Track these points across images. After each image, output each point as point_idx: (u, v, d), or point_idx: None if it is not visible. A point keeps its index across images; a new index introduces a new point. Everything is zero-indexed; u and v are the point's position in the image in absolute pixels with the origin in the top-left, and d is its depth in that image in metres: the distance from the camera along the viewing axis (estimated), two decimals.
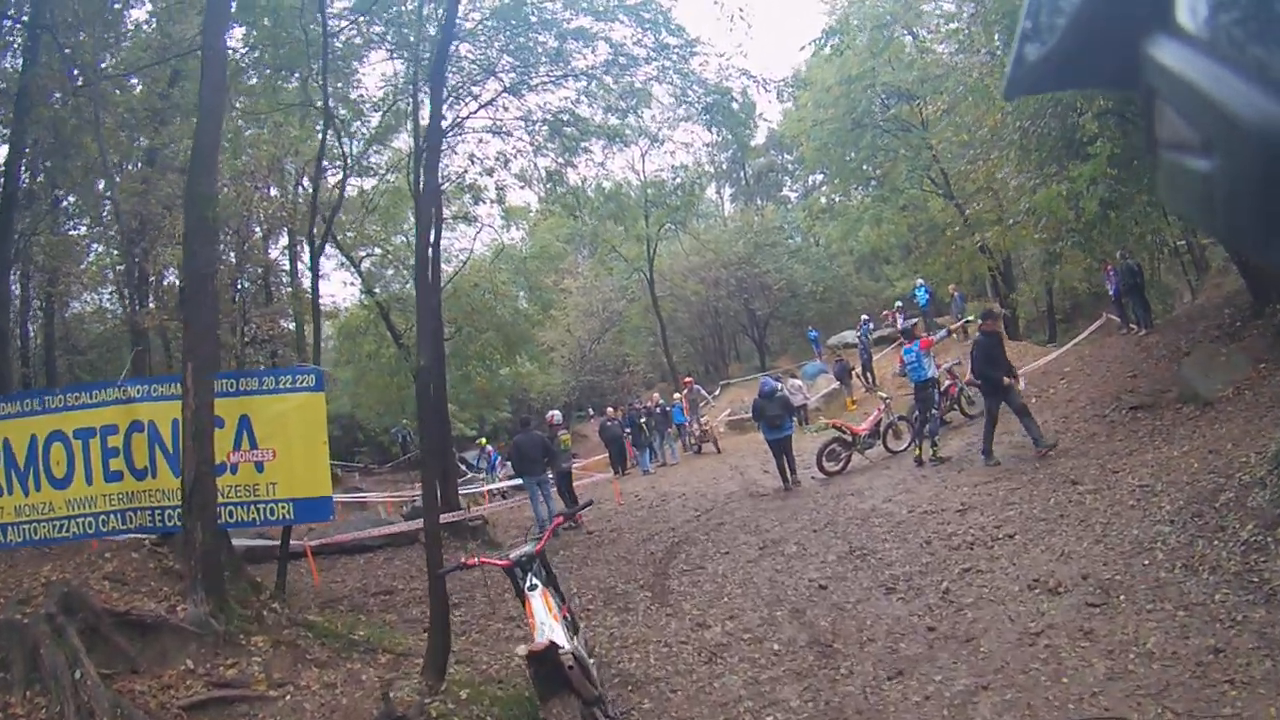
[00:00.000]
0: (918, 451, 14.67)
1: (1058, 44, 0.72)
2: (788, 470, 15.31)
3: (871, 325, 30.36)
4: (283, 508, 8.94)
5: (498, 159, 17.80)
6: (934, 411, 14.87)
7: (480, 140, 17.84)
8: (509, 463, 16.07)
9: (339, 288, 62.22)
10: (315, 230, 15.24)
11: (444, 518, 13.29)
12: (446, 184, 17.69)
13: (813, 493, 14.31)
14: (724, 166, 56.03)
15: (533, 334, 32.95)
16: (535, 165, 18.24)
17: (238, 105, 14.93)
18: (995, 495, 11.19)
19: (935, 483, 12.93)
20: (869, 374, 27.25)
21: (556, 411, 15.91)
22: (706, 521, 13.55)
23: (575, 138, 17.32)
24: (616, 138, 17.63)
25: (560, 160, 17.99)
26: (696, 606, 9.14)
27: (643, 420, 23.90)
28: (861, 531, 10.87)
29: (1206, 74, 0.58)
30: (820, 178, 53.23)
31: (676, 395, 26.50)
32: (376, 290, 31.25)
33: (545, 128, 17.37)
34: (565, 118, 17.10)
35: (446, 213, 19.84)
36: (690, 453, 24.88)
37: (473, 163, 18.11)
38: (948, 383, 17.75)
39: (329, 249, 30.51)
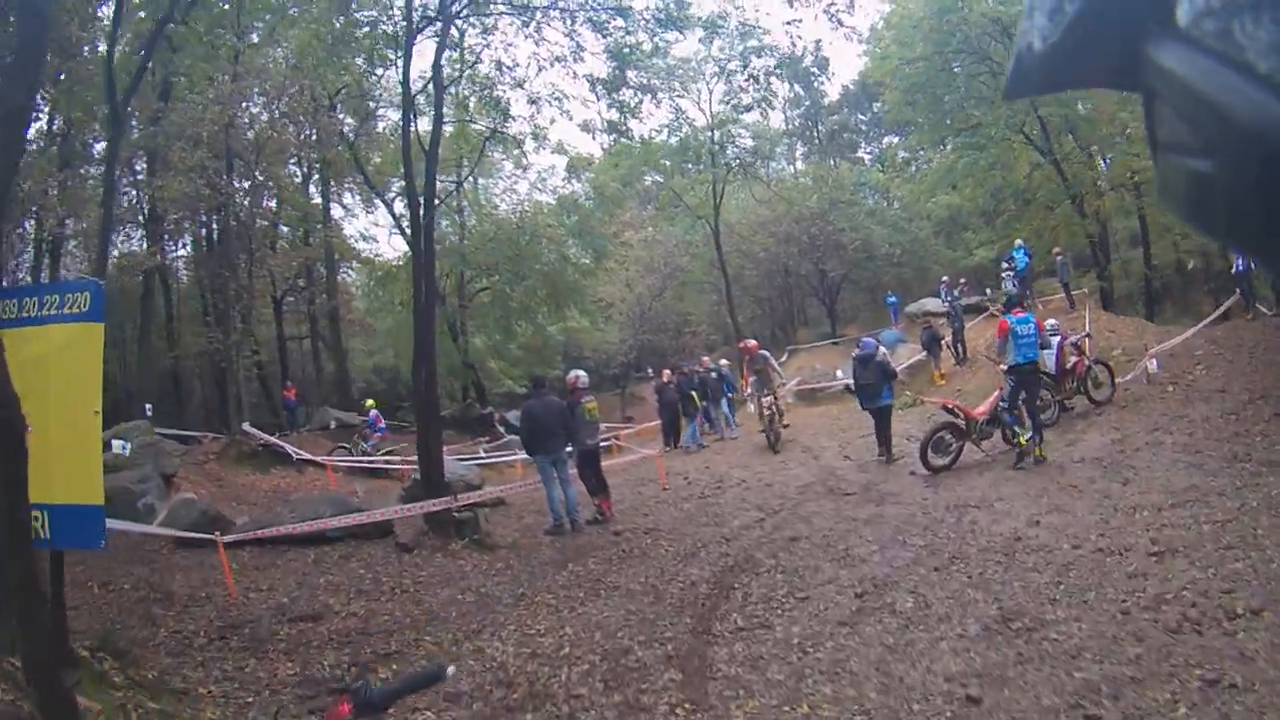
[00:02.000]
0: (1038, 450, 11.22)
1: (1058, 44, 0.69)
2: (881, 444, 13.55)
3: (957, 291, 26.30)
4: (36, 519, 4.90)
5: (529, 64, 14.12)
6: (1040, 400, 12.23)
7: (509, 44, 14.19)
8: (512, 436, 12.32)
9: (382, 240, 59.31)
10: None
11: (427, 507, 9.79)
12: (455, 86, 14.00)
13: (919, 497, 10.43)
14: (796, 124, 52.07)
15: (585, 285, 29.42)
16: (576, 74, 14.31)
17: None
18: (1197, 528, 7.35)
19: (1094, 498, 9.03)
20: (960, 345, 23.09)
21: (580, 373, 12.20)
22: (773, 531, 9.76)
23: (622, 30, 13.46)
24: (671, 24, 13.61)
25: (611, 66, 14.05)
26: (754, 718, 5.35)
27: (694, 389, 20.11)
28: (1009, 576, 7.04)
29: (1207, 75, 0.56)
30: (897, 139, 49.88)
31: (724, 362, 22.26)
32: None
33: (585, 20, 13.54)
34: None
35: (474, 129, 15.95)
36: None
37: (501, 72, 14.38)
38: (1073, 360, 14.27)
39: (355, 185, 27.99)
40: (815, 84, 52.66)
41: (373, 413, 22.10)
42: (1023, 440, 11.17)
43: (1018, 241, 24.88)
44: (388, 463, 18.75)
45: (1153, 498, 8.53)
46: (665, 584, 8.19)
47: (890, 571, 7.54)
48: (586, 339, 36.64)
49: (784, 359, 31.64)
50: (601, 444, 20.83)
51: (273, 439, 18.92)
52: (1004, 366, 11.46)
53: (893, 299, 33.61)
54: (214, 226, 25.56)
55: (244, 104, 20.68)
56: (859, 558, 8.14)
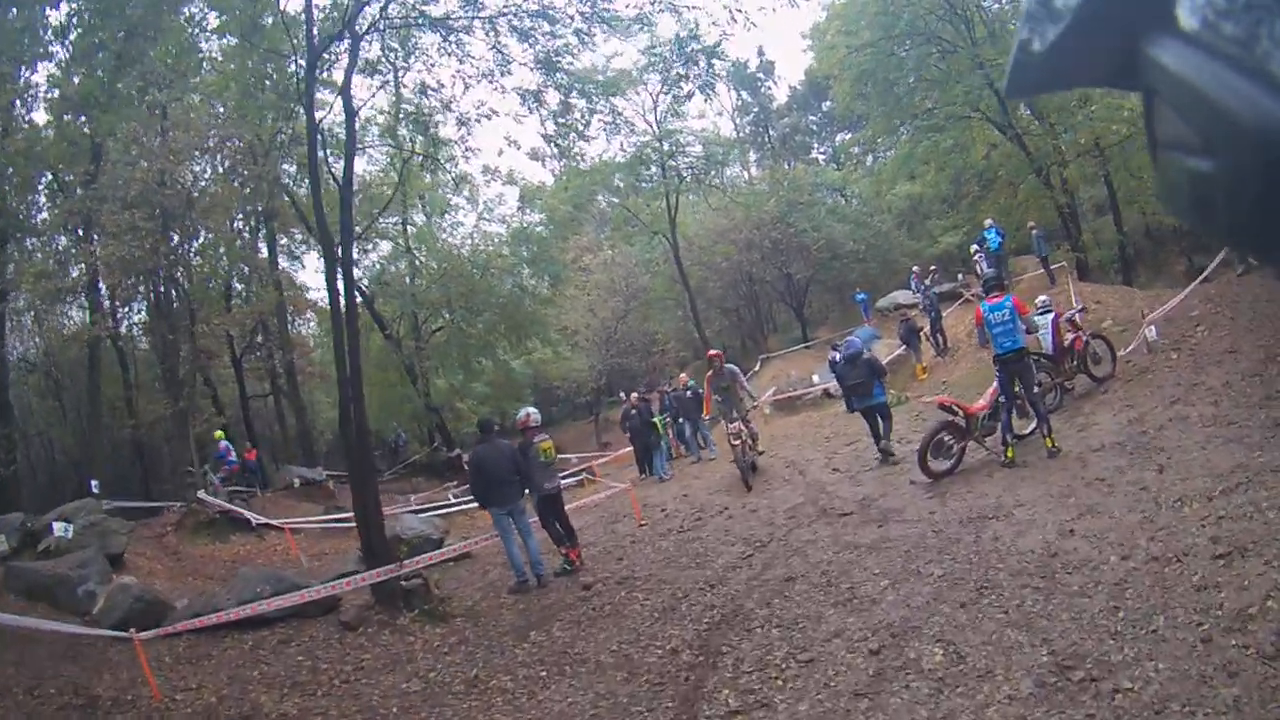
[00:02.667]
0: (1048, 441, 9.93)
1: (1058, 44, 0.69)
2: (883, 440, 12.55)
3: (928, 280, 25.41)
4: None
5: (454, 83, 12.88)
6: (1039, 386, 10.73)
7: (431, 64, 12.95)
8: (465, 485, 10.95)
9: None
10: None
11: (369, 578, 8.39)
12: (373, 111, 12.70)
13: (926, 512, 9.08)
14: (746, 131, 51.27)
15: (545, 315, 28.11)
16: (503, 88, 12.96)
17: None
18: (1260, 516, 6.23)
19: (1129, 492, 7.76)
20: (939, 335, 21.89)
21: (532, 410, 10.67)
22: (763, 571, 8.38)
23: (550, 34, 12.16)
24: (599, 20, 12.32)
25: (541, 76, 12.79)
26: None
27: (660, 415, 18.78)
28: (1054, 607, 5.75)
29: (1207, 75, 0.56)
30: (850, 134, 49.15)
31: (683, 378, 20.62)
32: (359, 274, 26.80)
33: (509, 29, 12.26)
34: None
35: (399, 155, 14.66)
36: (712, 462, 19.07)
37: (425, 95, 13.15)
38: (1070, 337, 13.08)
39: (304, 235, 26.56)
40: (762, 89, 52.19)
41: (222, 443, 20.88)
42: (1048, 436, 9.93)
43: (987, 222, 24.00)
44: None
45: (1197, 484, 7.25)
46: (641, 652, 6.82)
47: (908, 614, 6.18)
48: (553, 370, 35.49)
49: (757, 368, 30.46)
50: (569, 481, 19.48)
51: (229, 505, 17.50)
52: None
53: (861, 296, 32.64)
54: (162, 290, 24.12)
55: (178, 161, 19.24)
56: (868, 598, 6.77)
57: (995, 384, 10.50)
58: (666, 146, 30.59)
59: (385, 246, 27.78)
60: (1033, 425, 10.32)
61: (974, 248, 25.26)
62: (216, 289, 25.85)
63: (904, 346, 21.85)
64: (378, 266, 27.31)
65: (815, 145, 53.07)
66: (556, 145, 14.51)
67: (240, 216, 25.97)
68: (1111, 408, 11.59)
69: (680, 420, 18.95)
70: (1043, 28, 0.69)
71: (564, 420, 41.88)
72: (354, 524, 17.51)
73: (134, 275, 21.91)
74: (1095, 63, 0.69)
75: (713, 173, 34.59)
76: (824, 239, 34.31)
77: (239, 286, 28.66)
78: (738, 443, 13.22)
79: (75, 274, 22.40)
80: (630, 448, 19.27)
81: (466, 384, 28.75)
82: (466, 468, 13.11)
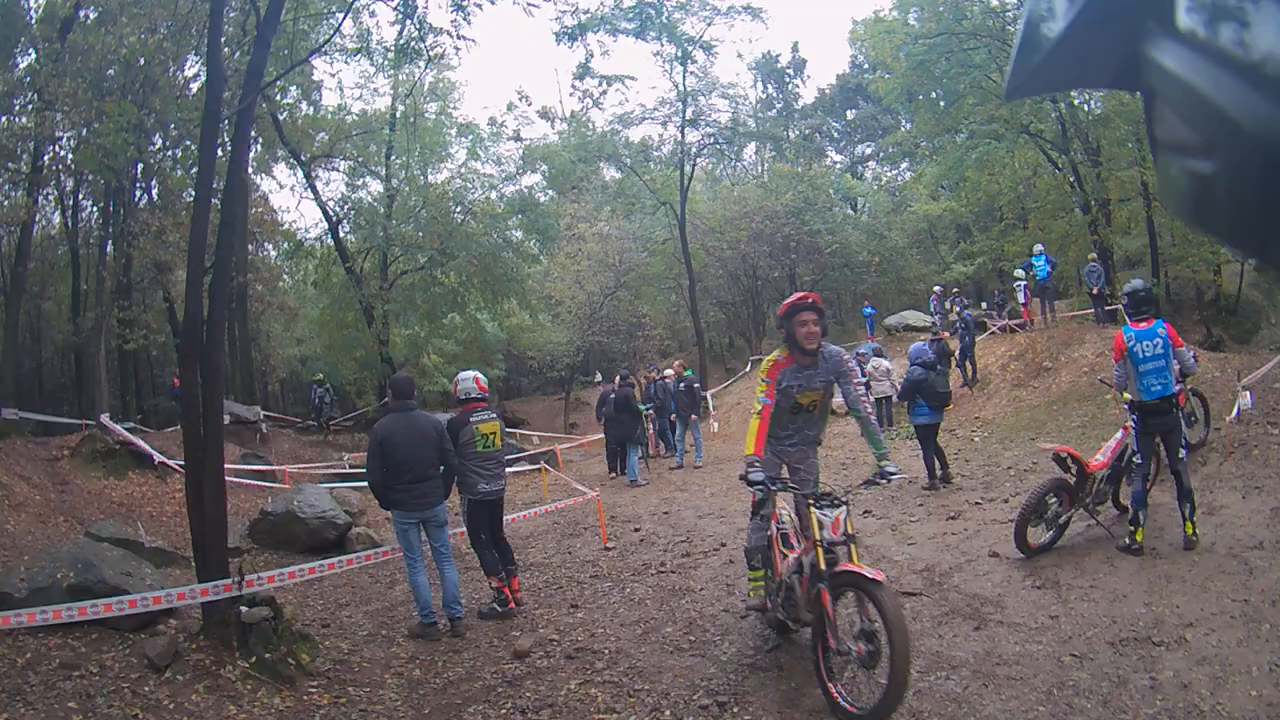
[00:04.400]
0: (1188, 527, 6.99)
1: (1058, 45, 0.68)
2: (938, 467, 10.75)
3: (948, 303, 23.92)
4: None
5: None
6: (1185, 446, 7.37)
7: None
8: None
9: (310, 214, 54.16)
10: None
11: (191, 596, 5.15)
12: None
13: (1041, 614, 5.98)
14: (766, 126, 48.24)
15: (526, 274, 24.78)
16: None
17: None
18: None
19: None
20: (969, 363, 18.81)
21: (467, 374, 7.31)
22: (804, 688, 5.16)
23: None
24: None
25: None
26: None
27: (648, 405, 15.62)
28: None
29: (1207, 76, 0.55)
30: (868, 149, 46.31)
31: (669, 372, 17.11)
32: (322, 191, 23.29)
33: None
34: None
35: None
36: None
37: None
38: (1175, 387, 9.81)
39: (280, 150, 23.15)
40: (790, 85, 49.18)
41: None
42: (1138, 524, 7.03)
43: (1037, 248, 21.24)
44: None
45: None
46: None
47: None
48: (529, 338, 32.33)
49: (746, 369, 27.51)
50: (523, 468, 16.22)
51: (131, 437, 14.71)
52: (1127, 401, 7.21)
53: (869, 310, 29.84)
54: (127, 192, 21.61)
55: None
56: None
57: (1121, 437, 7.53)
58: (689, 111, 27.51)
59: (374, 186, 24.26)
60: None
61: (1019, 273, 22.34)
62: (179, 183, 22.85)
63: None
64: (348, 191, 23.72)
65: (833, 152, 50.00)
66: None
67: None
68: (1232, 487, 8.60)
69: (667, 417, 15.83)
70: (1044, 29, 0.67)
71: (533, 393, 39.11)
72: (262, 479, 14.72)
73: (103, 171, 19.46)
74: (1096, 64, 0.67)
75: (736, 144, 31.67)
76: (838, 243, 31.28)
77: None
78: (795, 556, 5.28)
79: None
80: (603, 436, 16.03)
81: (431, 338, 25.29)
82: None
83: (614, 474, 14.78)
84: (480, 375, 7.17)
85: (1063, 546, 7.30)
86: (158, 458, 13.92)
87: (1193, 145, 0.57)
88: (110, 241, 21.77)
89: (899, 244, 33.42)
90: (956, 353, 18.81)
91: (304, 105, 23.06)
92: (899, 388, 17.13)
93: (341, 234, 23.03)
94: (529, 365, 35.16)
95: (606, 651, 5.87)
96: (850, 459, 13.67)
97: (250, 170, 24.04)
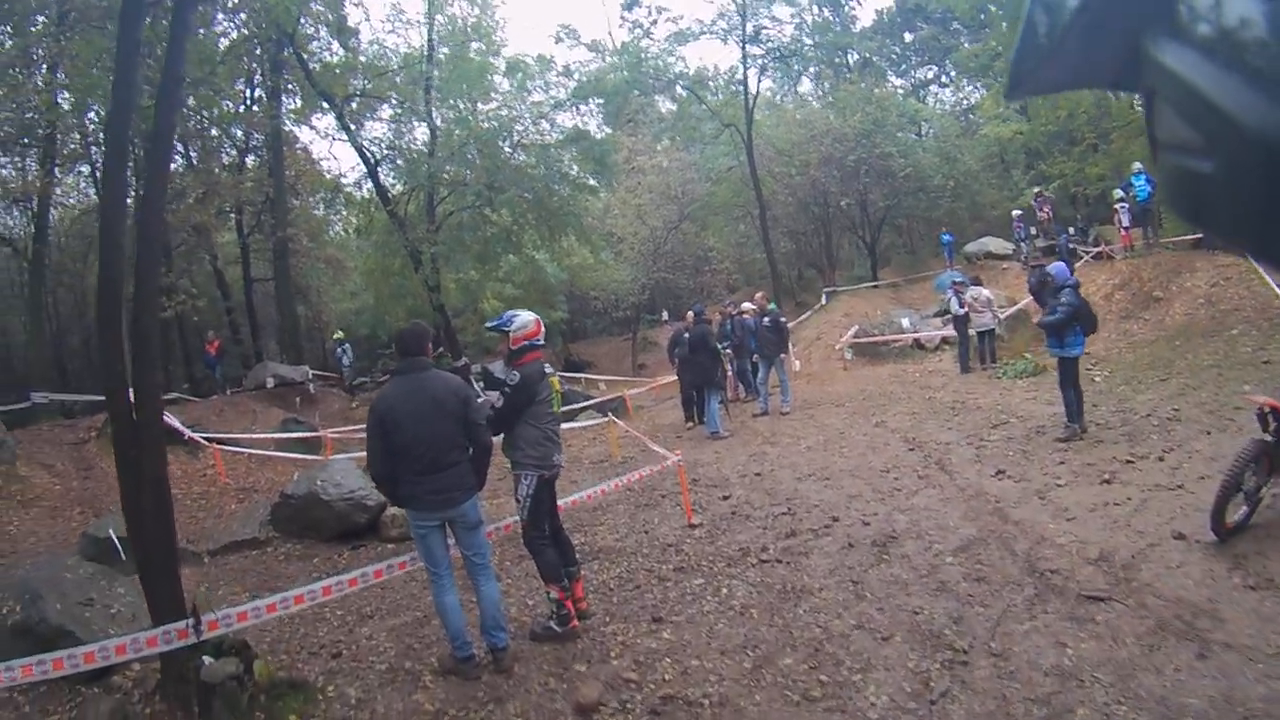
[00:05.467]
0: None
1: (1059, 45, 0.68)
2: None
3: (1034, 228, 23.10)
4: None
5: None
6: None
7: None
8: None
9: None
10: None
11: (135, 648, 3.55)
12: None
13: (1266, 625, 4.19)
14: (824, 52, 45.33)
15: (583, 204, 22.88)
16: None
17: None
18: None
19: None
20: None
21: (526, 316, 5.33)
22: None
23: None
24: None
25: None
26: None
27: (725, 344, 13.71)
28: None
29: (1207, 75, 0.55)
30: (929, 73, 43.93)
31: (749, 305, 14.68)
32: (356, 131, 21.49)
33: None
34: None
35: None
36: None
37: None
38: None
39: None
40: (846, 6, 45.93)
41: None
42: None
43: (1136, 166, 19.13)
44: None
45: None
46: None
47: None
48: (591, 277, 30.61)
49: (823, 301, 25.54)
50: (590, 423, 14.57)
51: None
52: None
53: (947, 237, 28.04)
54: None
55: None
56: None
57: None
58: (749, 26, 25.19)
59: (418, 130, 22.57)
60: None
61: (1117, 193, 19.86)
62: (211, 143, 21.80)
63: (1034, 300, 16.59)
64: (389, 134, 21.93)
65: (893, 77, 46.84)
66: None
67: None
68: None
69: (747, 356, 14.01)
70: (1044, 28, 0.66)
71: (598, 335, 37.79)
72: (302, 448, 13.54)
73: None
74: (1097, 63, 0.66)
75: (799, 62, 29.34)
76: (911, 166, 28.63)
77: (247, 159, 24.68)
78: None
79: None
80: (675, 379, 14.22)
81: (486, 282, 23.59)
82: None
83: (690, 423, 13.01)
84: (533, 319, 5.35)
85: (1256, 525, 5.41)
86: (187, 434, 12.93)
87: (1193, 145, 0.56)
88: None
89: (972, 168, 30.68)
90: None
91: (336, 48, 21.70)
92: (1000, 318, 15.08)
93: (382, 177, 21.39)
94: (593, 306, 33.77)
95: (707, 703, 4.17)
96: (955, 401, 11.69)
97: (286, 124, 22.92)
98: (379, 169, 21.11)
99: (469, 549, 4.76)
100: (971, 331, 14.37)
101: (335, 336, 23.21)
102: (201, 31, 15.35)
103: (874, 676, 4.25)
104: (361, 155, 20.53)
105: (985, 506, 6.86)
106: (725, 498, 8.18)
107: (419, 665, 4.92)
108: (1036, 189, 26.32)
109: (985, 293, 14.51)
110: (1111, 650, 4.22)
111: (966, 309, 14.31)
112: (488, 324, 5.66)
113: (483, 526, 4.87)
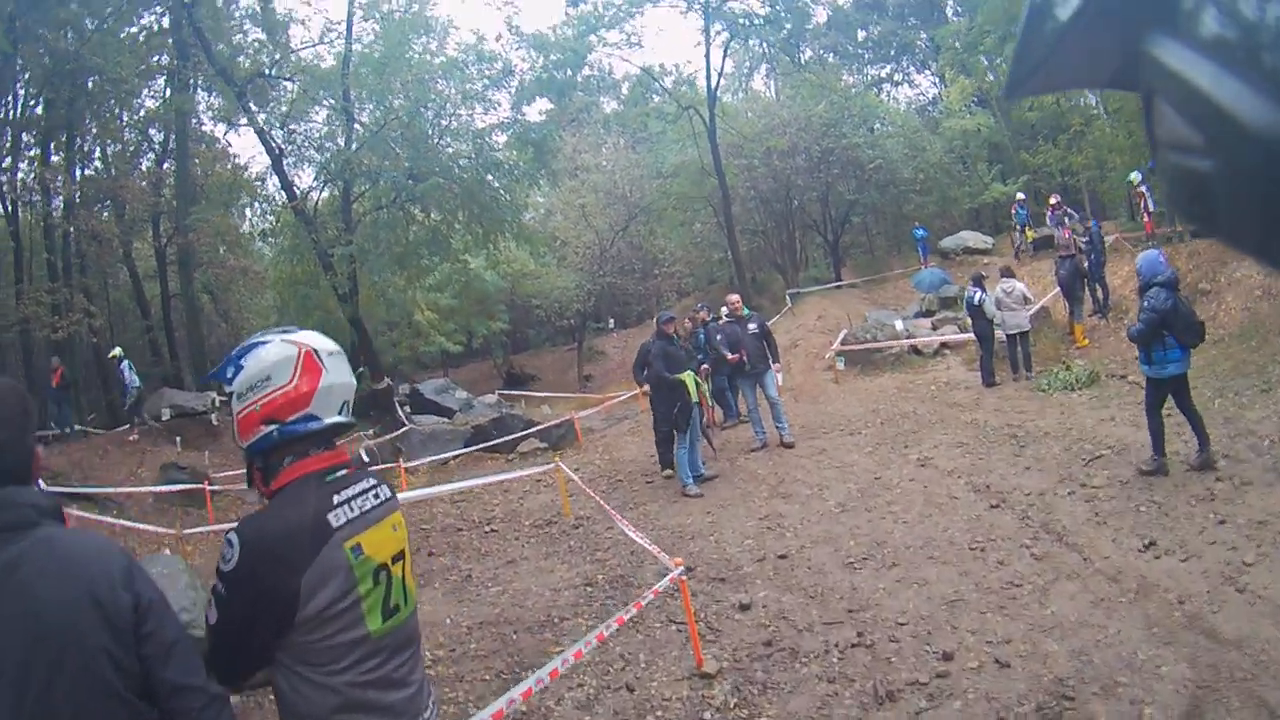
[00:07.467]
0: None
1: (1059, 44, 0.65)
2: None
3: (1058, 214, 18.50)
4: None
5: None
6: None
7: None
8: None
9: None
10: None
11: None
12: None
13: None
14: (772, 50, 43.60)
15: (524, 200, 19.93)
16: None
17: None
18: None
19: None
20: (1099, 287, 14.08)
21: (272, 345, 1.74)
22: None
23: None
24: None
25: None
26: None
27: (701, 357, 10.60)
28: None
29: (1207, 75, 0.53)
30: (887, 69, 42.68)
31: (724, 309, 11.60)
32: (255, 109, 18.05)
33: None
34: None
35: None
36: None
37: None
38: None
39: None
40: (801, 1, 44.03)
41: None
42: None
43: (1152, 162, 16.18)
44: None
45: None
46: None
47: None
48: (532, 284, 28.19)
49: (788, 305, 23.03)
50: (527, 470, 10.93)
51: None
52: None
53: (921, 232, 25.81)
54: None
55: None
56: None
57: None
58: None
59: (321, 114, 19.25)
60: None
61: (1135, 176, 17.28)
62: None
63: (1061, 295, 13.85)
64: (287, 111, 18.47)
65: (847, 75, 45.16)
66: None
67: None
68: None
69: (725, 373, 10.97)
70: (1044, 28, 0.65)
71: (541, 345, 35.78)
72: (184, 501, 10.30)
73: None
74: (1096, 63, 0.65)
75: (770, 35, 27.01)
76: (880, 158, 26.56)
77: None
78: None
79: None
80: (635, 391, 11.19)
81: (413, 288, 20.31)
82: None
83: (669, 471, 9.76)
84: (329, 345, 1.86)
85: None
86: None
87: (1193, 145, 0.54)
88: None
89: (941, 159, 28.83)
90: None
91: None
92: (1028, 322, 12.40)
93: (290, 171, 18.06)
94: (535, 315, 31.39)
95: None
96: (1014, 425, 8.84)
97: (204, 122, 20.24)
98: (283, 160, 17.72)
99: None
100: (1001, 334, 11.60)
101: (112, 355, 17.02)
102: None
103: None
104: (264, 141, 17.16)
105: (1169, 614, 4.17)
106: (744, 607, 5.15)
107: None
108: (1022, 179, 24.56)
109: (1020, 286, 11.64)
110: None
111: (995, 310, 11.51)
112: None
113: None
